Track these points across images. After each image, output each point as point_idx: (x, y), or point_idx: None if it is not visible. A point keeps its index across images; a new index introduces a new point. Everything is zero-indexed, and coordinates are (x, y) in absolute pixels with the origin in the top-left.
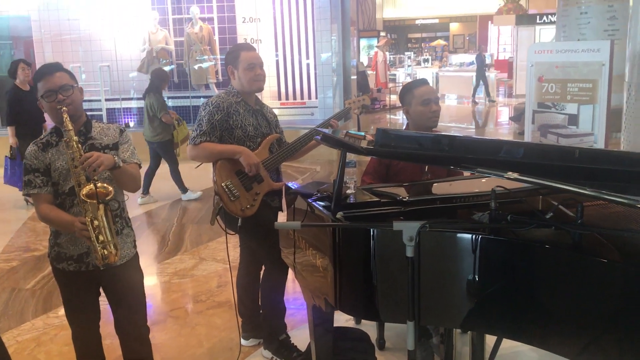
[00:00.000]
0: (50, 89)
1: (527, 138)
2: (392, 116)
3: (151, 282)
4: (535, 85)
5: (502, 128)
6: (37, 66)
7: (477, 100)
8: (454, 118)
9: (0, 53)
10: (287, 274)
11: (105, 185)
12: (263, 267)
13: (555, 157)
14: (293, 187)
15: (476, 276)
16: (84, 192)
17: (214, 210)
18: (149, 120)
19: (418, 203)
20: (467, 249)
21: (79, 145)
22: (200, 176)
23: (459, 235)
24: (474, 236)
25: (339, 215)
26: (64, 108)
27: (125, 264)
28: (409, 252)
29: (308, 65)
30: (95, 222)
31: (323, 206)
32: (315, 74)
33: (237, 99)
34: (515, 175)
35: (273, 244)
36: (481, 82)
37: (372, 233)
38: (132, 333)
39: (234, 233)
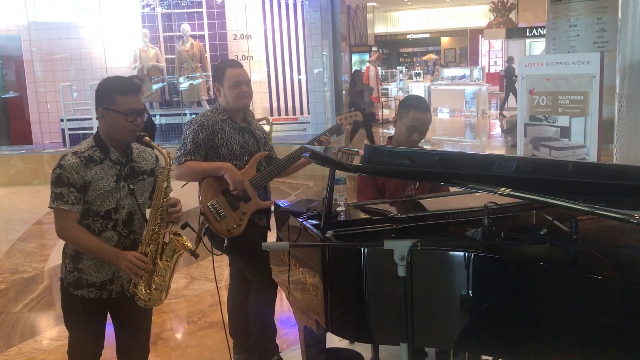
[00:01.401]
0: (135, 109)
1: (520, 151)
2: (385, 130)
3: None
4: (526, 98)
5: (494, 141)
6: (28, 85)
7: (504, 114)
8: (447, 131)
9: (2, 72)
10: (275, 293)
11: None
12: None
13: (548, 171)
14: (282, 205)
15: (470, 295)
16: (173, 231)
17: (199, 230)
18: None
19: (409, 220)
20: (460, 267)
21: (169, 188)
22: (188, 194)
23: (451, 253)
24: (466, 254)
25: (329, 234)
26: (145, 137)
27: None
28: (401, 272)
29: (300, 80)
30: (162, 264)
31: (313, 225)
32: (307, 89)
33: (223, 117)
34: (507, 190)
35: (261, 263)
36: (511, 94)
37: (362, 252)
38: (136, 356)
39: (220, 254)
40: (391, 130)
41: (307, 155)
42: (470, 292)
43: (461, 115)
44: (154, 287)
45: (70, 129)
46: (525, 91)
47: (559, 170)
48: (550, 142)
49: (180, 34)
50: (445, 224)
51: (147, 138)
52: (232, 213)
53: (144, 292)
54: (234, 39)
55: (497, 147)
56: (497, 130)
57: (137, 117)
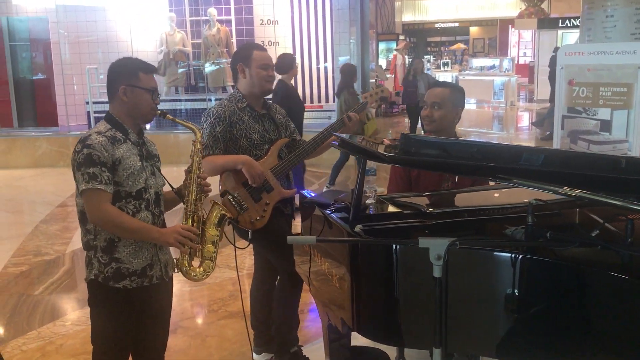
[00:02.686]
0: (154, 87)
1: (556, 144)
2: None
3: None
4: (565, 89)
5: (522, 133)
6: (55, 68)
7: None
8: (474, 123)
9: (24, 55)
10: (302, 285)
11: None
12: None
13: (600, 167)
14: (309, 196)
15: (513, 299)
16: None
17: (224, 224)
18: (341, 115)
19: (444, 216)
20: (504, 270)
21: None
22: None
23: (495, 254)
24: (513, 255)
25: (358, 228)
26: (167, 114)
27: (171, 278)
28: (437, 272)
29: (326, 68)
30: (211, 232)
31: (341, 218)
32: (333, 77)
33: (241, 105)
34: (578, 192)
35: (288, 253)
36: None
37: (394, 249)
38: (155, 350)
39: (243, 247)
40: None
41: (337, 143)
42: (514, 296)
43: (489, 107)
44: (206, 257)
45: (95, 112)
46: (564, 81)
47: (612, 166)
48: (589, 135)
49: (207, 18)
50: (482, 221)
51: (168, 115)
52: (255, 205)
53: (195, 264)
54: (261, 24)
55: (525, 139)
56: (525, 122)
57: (157, 96)
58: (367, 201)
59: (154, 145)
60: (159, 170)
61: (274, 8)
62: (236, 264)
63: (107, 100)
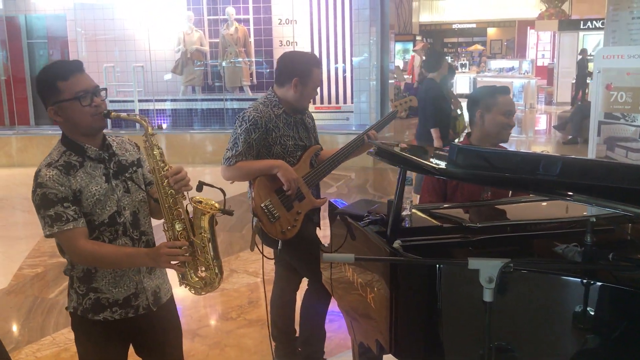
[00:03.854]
0: (85, 88)
1: (591, 152)
2: None
3: (179, 295)
4: (602, 94)
5: (541, 136)
6: None
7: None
8: None
9: (41, 53)
10: (330, 295)
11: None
12: (301, 286)
13: None
14: (339, 206)
15: (578, 329)
16: (195, 201)
17: (253, 233)
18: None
19: (486, 230)
20: (569, 296)
21: (163, 154)
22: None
23: (559, 277)
24: (584, 281)
25: (397, 244)
26: (109, 112)
27: (168, 301)
28: (487, 296)
29: (345, 68)
30: (197, 239)
31: (376, 232)
32: (352, 77)
33: (277, 111)
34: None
35: (317, 262)
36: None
37: (438, 268)
38: None
39: (272, 258)
40: None
41: (372, 152)
42: (578, 325)
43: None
44: (202, 268)
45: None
46: (601, 86)
47: None
48: (627, 142)
49: (225, 17)
50: (530, 237)
51: (113, 112)
52: (286, 214)
53: (195, 278)
54: (279, 23)
55: (542, 143)
56: (544, 125)
57: (92, 96)
58: (403, 213)
59: (134, 147)
60: (135, 182)
61: (292, 7)
62: (263, 275)
63: (124, 99)
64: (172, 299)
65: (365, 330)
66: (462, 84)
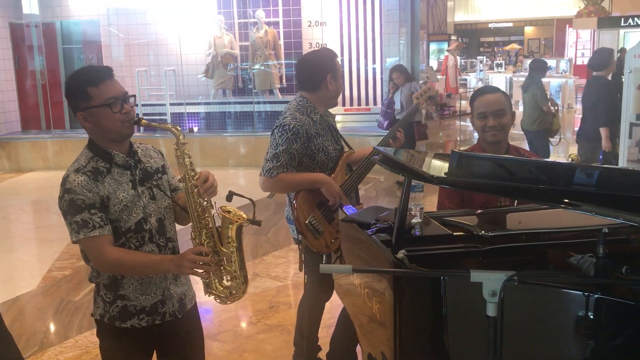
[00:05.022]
0: (115, 95)
1: (622, 155)
2: (462, 123)
3: (200, 299)
4: (634, 94)
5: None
6: None
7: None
8: None
9: (82, 57)
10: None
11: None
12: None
13: None
14: (348, 213)
15: (583, 344)
16: (223, 210)
17: (301, 252)
18: (530, 109)
19: (499, 239)
20: (572, 310)
21: (192, 163)
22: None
23: (563, 291)
24: (584, 294)
25: (401, 254)
26: (140, 119)
27: (192, 308)
28: (491, 311)
29: (374, 70)
30: (225, 249)
31: (383, 241)
32: (382, 79)
33: (315, 117)
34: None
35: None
36: None
37: (442, 281)
38: None
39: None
40: (468, 122)
41: (377, 157)
42: (585, 342)
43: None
44: (228, 277)
45: (144, 114)
46: (632, 86)
47: None
48: None
49: (255, 20)
50: (543, 246)
51: (143, 120)
52: (329, 227)
53: (220, 288)
54: (309, 25)
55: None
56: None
57: (122, 103)
58: (413, 220)
59: (158, 154)
60: (160, 189)
61: (322, 9)
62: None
63: (156, 102)
64: (195, 306)
65: (371, 342)
66: (498, 83)
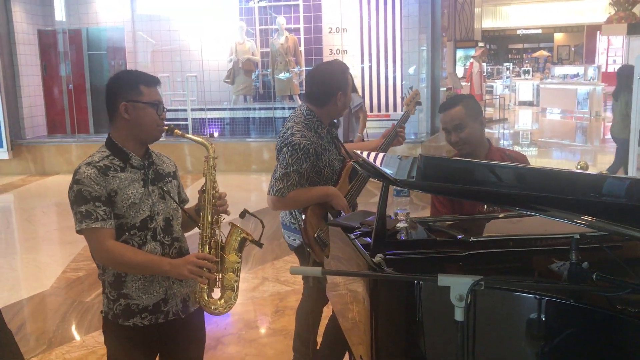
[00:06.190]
0: (159, 100)
1: (632, 163)
2: (487, 130)
3: None
4: None
5: (608, 146)
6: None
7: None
8: (555, 134)
9: (107, 63)
10: None
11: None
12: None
13: None
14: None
15: (540, 350)
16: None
17: (311, 262)
18: (621, 117)
19: (481, 245)
20: (530, 314)
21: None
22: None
23: (521, 295)
24: (536, 297)
25: (378, 258)
26: (174, 129)
27: (196, 310)
28: (459, 315)
29: (395, 76)
30: (231, 258)
31: (365, 245)
32: (402, 85)
33: (322, 132)
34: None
35: None
36: None
37: (417, 285)
38: None
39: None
40: (493, 130)
41: (356, 163)
42: (544, 347)
43: (572, 117)
44: (227, 286)
45: (166, 119)
46: None
47: None
48: None
49: (276, 27)
50: (527, 253)
51: (177, 130)
52: None
53: (214, 297)
54: (329, 32)
55: (610, 152)
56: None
57: (163, 109)
58: (398, 225)
59: (170, 161)
60: (169, 194)
61: (341, 16)
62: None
63: (178, 107)
64: (200, 309)
65: (353, 344)
66: (525, 91)
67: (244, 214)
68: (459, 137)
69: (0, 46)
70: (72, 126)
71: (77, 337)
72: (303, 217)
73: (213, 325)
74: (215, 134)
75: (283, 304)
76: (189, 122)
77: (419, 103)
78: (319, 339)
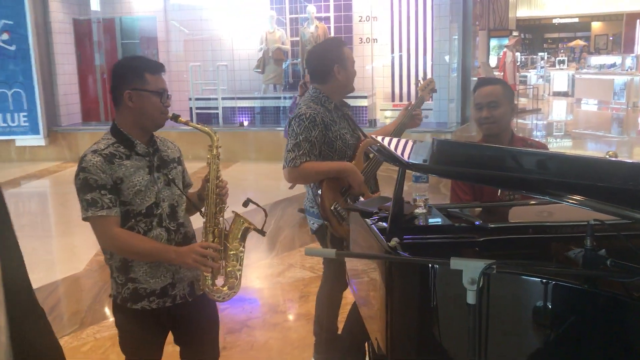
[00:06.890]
0: (163, 88)
1: None
2: (520, 120)
3: None
4: None
5: None
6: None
7: None
8: (591, 125)
9: (145, 53)
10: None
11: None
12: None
13: None
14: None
15: (547, 335)
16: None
17: (328, 239)
18: None
19: (498, 231)
20: (544, 299)
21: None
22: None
23: (532, 279)
24: (548, 282)
25: (394, 242)
26: (179, 116)
27: (205, 295)
28: (470, 298)
29: (425, 66)
30: (234, 246)
31: (382, 229)
32: (432, 74)
33: (329, 106)
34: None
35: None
36: None
37: (431, 268)
38: None
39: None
40: (526, 121)
41: (374, 149)
42: (553, 331)
43: (608, 108)
44: (230, 275)
45: (197, 108)
46: None
47: None
48: None
49: (306, 15)
50: (545, 240)
51: (181, 118)
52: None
53: (217, 284)
54: (359, 20)
55: None
56: None
57: (168, 98)
58: (417, 210)
59: (175, 146)
60: (174, 181)
61: (372, 4)
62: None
63: (209, 97)
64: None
65: (370, 328)
66: (559, 81)
67: (247, 202)
68: (490, 114)
69: (37, 35)
70: (105, 114)
71: (108, 318)
72: (319, 192)
73: (239, 309)
74: (245, 123)
75: (307, 290)
76: (220, 111)
77: (434, 90)
78: (341, 325)
